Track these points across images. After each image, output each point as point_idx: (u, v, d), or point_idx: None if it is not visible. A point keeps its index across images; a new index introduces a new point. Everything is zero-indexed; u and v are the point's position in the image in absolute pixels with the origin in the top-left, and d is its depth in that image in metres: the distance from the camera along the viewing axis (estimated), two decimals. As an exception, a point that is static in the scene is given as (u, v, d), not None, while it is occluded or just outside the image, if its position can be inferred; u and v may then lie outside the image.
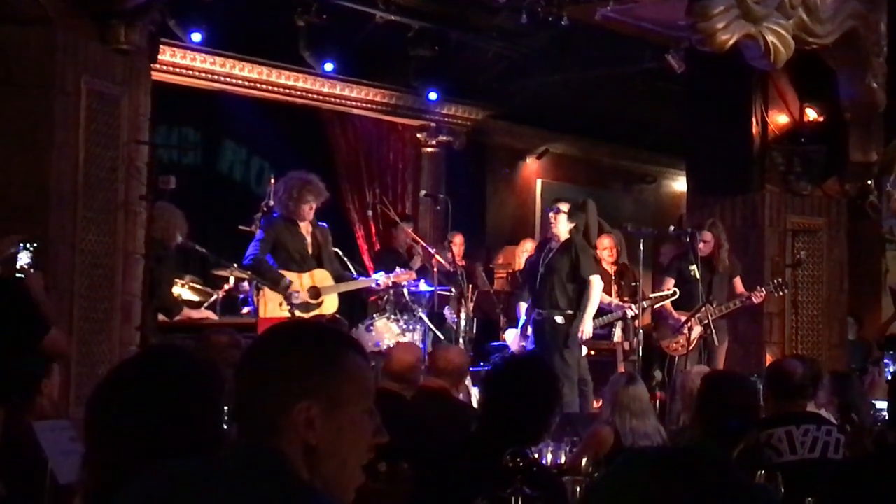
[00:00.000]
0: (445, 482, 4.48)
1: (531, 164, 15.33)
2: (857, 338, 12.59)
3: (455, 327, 10.96)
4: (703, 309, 10.23)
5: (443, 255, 11.41)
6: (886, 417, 7.59)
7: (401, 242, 12.48)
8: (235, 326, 7.98)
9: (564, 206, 10.43)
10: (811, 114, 11.67)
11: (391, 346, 9.88)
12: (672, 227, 11.34)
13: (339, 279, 9.72)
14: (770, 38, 9.34)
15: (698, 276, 10.27)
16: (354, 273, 10.26)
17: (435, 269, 11.38)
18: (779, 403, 5.90)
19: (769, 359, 10.37)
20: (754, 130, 11.62)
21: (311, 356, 2.30)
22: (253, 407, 2.29)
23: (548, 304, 10.10)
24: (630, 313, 10.24)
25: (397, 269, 10.39)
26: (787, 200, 11.67)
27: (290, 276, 9.37)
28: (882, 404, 8.26)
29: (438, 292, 11.31)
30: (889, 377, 10.08)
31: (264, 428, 2.25)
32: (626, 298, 11.11)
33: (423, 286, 11.14)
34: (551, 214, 10.41)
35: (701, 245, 10.51)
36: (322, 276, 9.57)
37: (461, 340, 10.62)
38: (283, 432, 2.24)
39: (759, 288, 10.59)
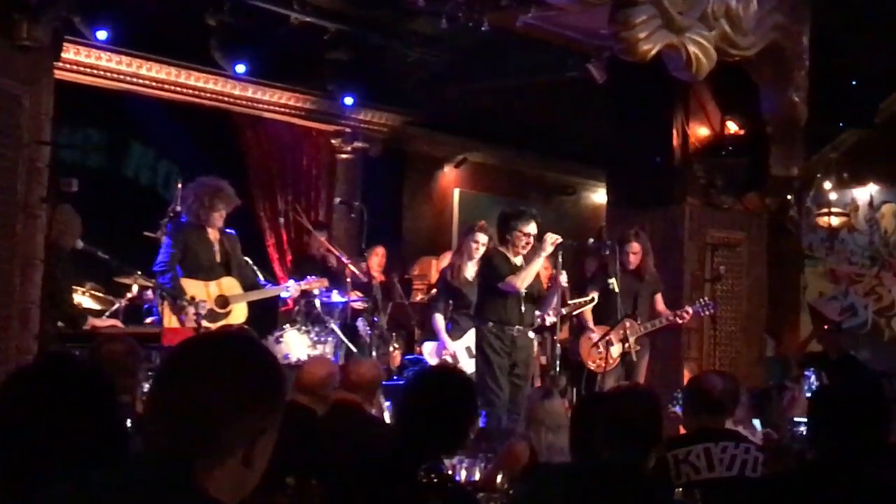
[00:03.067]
0: (359, 499, 4.32)
1: (449, 173, 15.18)
2: (775, 354, 12.58)
3: (368, 340, 10.75)
4: (628, 324, 10.08)
5: (357, 266, 11.19)
6: (805, 434, 7.54)
7: (315, 251, 12.23)
8: (139, 336, 7.68)
9: None
10: (732, 126, 11.67)
11: (301, 358, 9.68)
12: (591, 240, 11.22)
13: (248, 287, 9.49)
14: (692, 48, 9.30)
15: (617, 290, 10.09)
16: (264, 281, 10.01)
17: (349, 280, 11.15)
18: (698, 419, 5.80)
19: (687, 374, 10.24)
20: (675, 142, 11.56)
21: (266, 389, 2.29)
22: (191, 427, 2.20)
23: (525, 321, 9.68)
24: (549, 320, 9.93)
25: (308, 277, 10.17)
26: (707, 214, 11.65)
27: (196, 284, 9.12)
28: (802, 421, 8.21)
29: (351, 304, 11.10)
30: (808, 394, 10.03)
31: (198, 446, 2.19)
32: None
33: (335, 297, 10.92)
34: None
35: (631, 257, 10.38)
36: (230, 285, 9.33)
37: (374, 353, 10.40)
38: (227, 456, 2.22)
39: (686, 308, 10.42)
